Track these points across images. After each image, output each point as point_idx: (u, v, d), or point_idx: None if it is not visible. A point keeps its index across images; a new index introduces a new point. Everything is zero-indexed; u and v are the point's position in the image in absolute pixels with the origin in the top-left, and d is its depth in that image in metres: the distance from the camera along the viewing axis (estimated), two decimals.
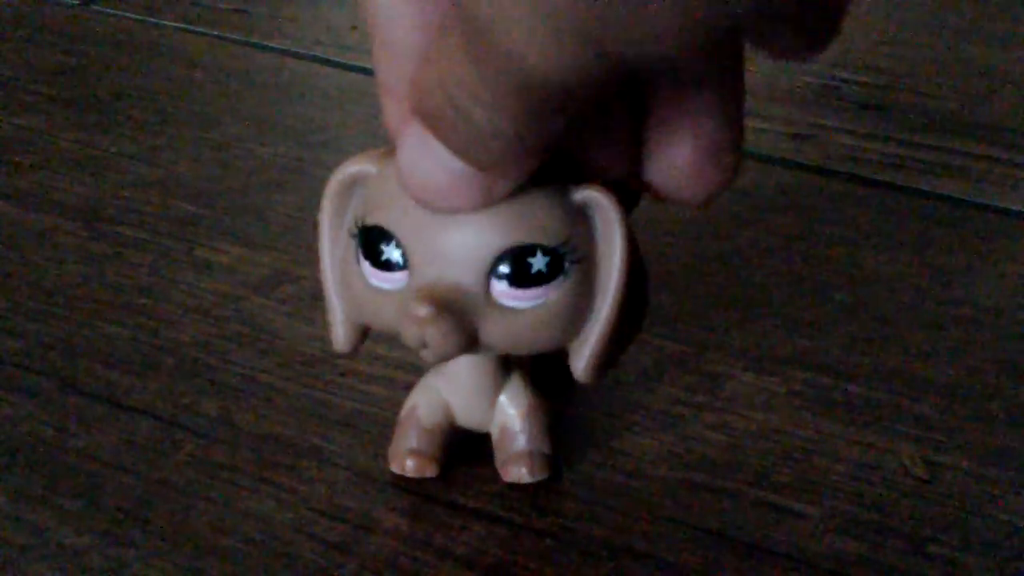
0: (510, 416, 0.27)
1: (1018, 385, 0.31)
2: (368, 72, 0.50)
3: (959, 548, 0.25)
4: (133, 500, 0.26)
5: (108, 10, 0.57)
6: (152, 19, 0.57)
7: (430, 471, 0.27)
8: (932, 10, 0.60)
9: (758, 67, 0.51)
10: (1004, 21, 0.58)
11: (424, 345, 0.23)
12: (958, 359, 0.32)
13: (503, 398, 0.27)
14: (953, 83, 0.51)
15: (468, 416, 0.27)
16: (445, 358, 0.24)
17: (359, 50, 0.53)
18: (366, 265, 0.24)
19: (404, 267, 0.24)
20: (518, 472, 0.27)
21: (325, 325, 0.26)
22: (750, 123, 0.46)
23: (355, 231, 0.24)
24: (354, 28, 0.56)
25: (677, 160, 0.24)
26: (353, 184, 0.25)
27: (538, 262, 0.23)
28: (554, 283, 0.23)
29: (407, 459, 0.27)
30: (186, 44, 0.54)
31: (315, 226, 0.25)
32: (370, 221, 0.24)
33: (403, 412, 0.27)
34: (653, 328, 0.33)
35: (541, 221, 0.23)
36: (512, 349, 0.24)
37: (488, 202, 0.23)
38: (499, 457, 0.27)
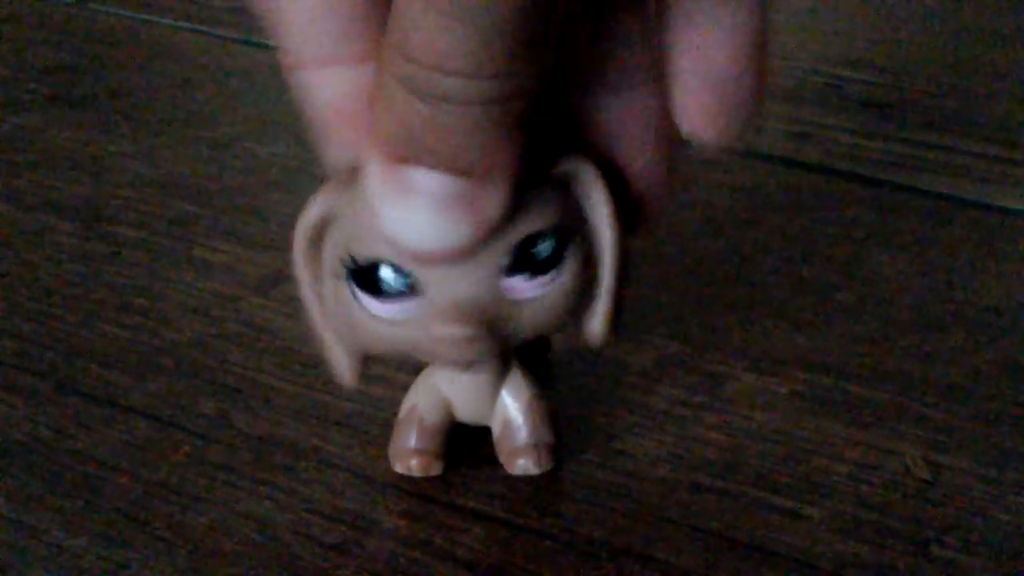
0: (512, 409, 0.27)
1: (1021, 385, 0.31)
2: None
3: (961, 549, 0.25)
4: (131, 501, 0.26)
5: (106, 8, 0.57)
6: (150, 17, 0.57)
7: (435, 469, 0.27)
8: (934, 8, 0.60)
9: None
10: (1006, 19, 0.58)
11: (467, 366, 0.24)
12: (960, 359, 0.32)
13: (504, 392, 0.27)
14: (955, 82, 0.51)
15: (469, 411, 0.27)
16: (486, 363, 0.25)
17: None
18: (369, 300, 0.24)
19: (412, 292, 0.23)
20: (524, 464, 0.27)
21: (325, 362, 0.26)
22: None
23: (345, 272, 0.24)
24: None
25: (690, 101, 0.24)
26: (323, 226, 0.24)
27: (543, 248, 0.23)
28: (562, 262, 0.24)
29: (411, 458, 0.27)
30: (184, 43, 0.54)
31: (293, 276, 0.25)
32: (362, 257, 0.23)
33: (402, 411, 0.27)
34: (653, 328, 0.32)
35: (536, 207, 0.23)
36: (535, 335, 0.25)
37: (485, 227, 0.22)
38: (503, 451, 0.27)
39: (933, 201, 0.41)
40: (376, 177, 0.21)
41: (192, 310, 0.33)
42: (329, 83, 0.23)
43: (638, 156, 0.25)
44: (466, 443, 0.28)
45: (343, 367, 0.26)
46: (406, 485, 0.27)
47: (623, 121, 0.25)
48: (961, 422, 0.29)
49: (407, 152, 0.21)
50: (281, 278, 0.35)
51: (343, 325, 0.25)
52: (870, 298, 0.35)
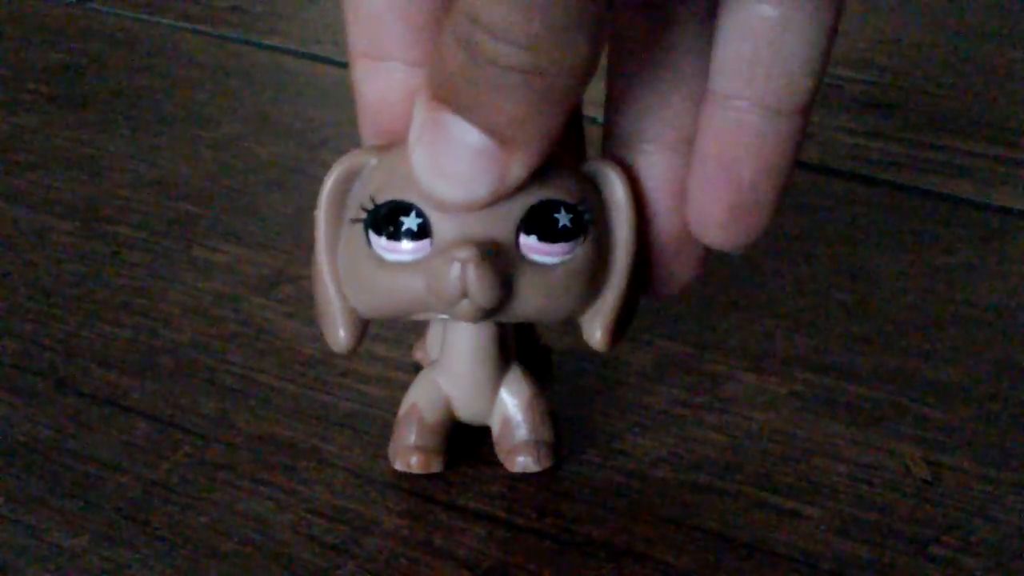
0: (511, 407, 0.27)
1: (1020, 385, 0.31)
2: None
3: (961, 549, 0.25)
4: (131, 501, 0.26)
5: (105, 8, 0.57)
6: (150, 17, 0.57)
7: (435, 466, 0.27)
8: (935, 8, 0.60)
9: None
10: (1007, 19, 0.58)
11: (464, 294, 0.23)
12: (960, 359, 0.32)
13: (503, 390, 0.27)
14: (956, 82, 0.51)
15: (468, 410, 0.27)
16: (482, 313, 0.24)
17: None
18: (381, 241, 0.24)
19: (426, 235, 0.24)
20: (524, 462, 0.27)
21: (321, 328, 0.26)
22: None
23: (363, 213, 0.24)
24: None
25: (705, 202, 0.24)
26: (352, 178, 0.25)
27: (563, 218, 0.24)
28: (578, 240, 0.24)
29: (411, 455, 0.27)
30: (184, 43, 0.54)
31: (311, 223, 0.25)
32: (383, 198, 0.24)
33: (402, 409, 0.27)
34: (653, 328, 0.32)
35: (564, 181, 0.24)
36: (540, 313, 0.25)
37: (502, 190, 0.23)
38: (502, 449, 0.27)
39: (933, 201, 0.41)
40: (419, 115, 0.23)
41: (192, 310, 0.33)
42: (382, 78, 0.24)
43: (663, 211, 0.26)
44: (466, 443, 0.28)
45: (340, 331, 0.26)
46: (406, 485, 0.27)
47: (658, 169, 0.25)
48: (961, 422, 0.29)
49: (450, 100, 0.22)
50: (281, 278, 0.35)
51: (349, 276, 0.25)
52: (870, 298, 0.35)
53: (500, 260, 0.23)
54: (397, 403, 0.27)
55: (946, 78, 0.51)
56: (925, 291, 0.35)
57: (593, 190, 0.25)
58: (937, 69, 0.52)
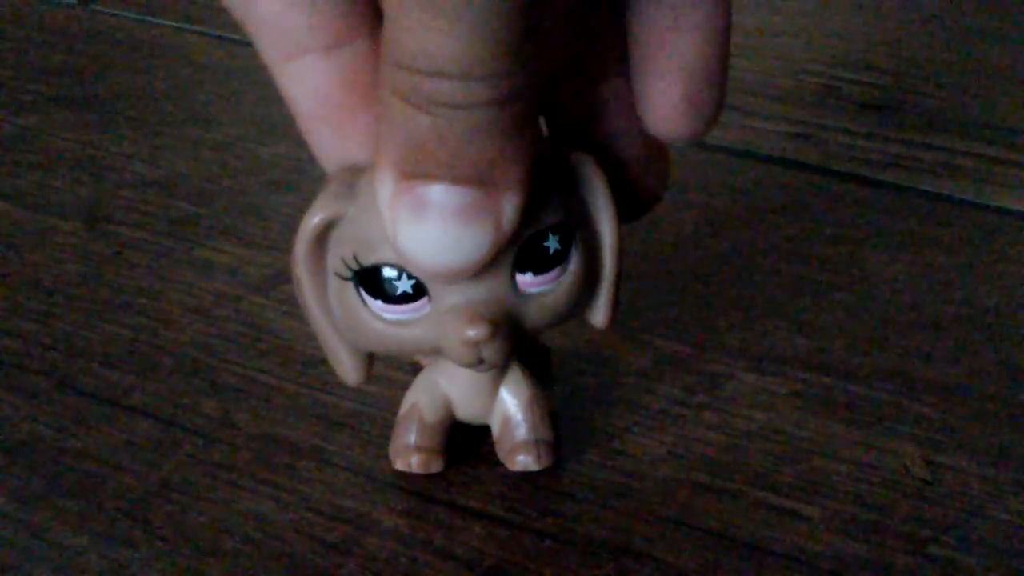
0: (512, 407, 0.27)
1: (1019, 385, 0.31)
2: None
3: (960, 549, 0.25)
4: (132, 500, 0.26)
5: (107, 10, 0.57)
6: (151, 18, 0.57)
7: (435, 466, 0.27)
8: (934, 9, 0.60)
9: (758, 66, 0.51)
10: (1006, 20, 0.58)
11: (480, 362, 0.23)
12: (959, 359, 0.32)
13: (503, 390, 0.27)
14: (954, 82, 0.51)
15: (469, 410, 0.27)
16: (496, 367, 0.25)
17: None
18: (376, 303, 0.24)
19: (419, 295, 0.23)
20: (525, 461, 0.27)
21: (331, 363, 0.26)
22: (749, 122, 0.46)
23: (350, 273, 0.24)
24: None
25: (658, 96, 0.23)
26: (327, 229, 0.24)
27: (552, 243, 0.24)
28: (568, 257, 0.24)
29: (411, 455, 0.27)
30: (185, 43, 0.54)
31: (295, 281, 0.25)
32: (368, 261, 0.23)
33: (403, 409, 0.27)
34: (653, 328, 0.32)
35: (544, 202, 0.23)
36: (545, 329, 0.25)
37: (502, 238, 0.21)
38: (503, 448, 0.27)
39: (933, 201, 0.41)
40: (389, 197, 0.21)
41: (193, 310, 0.33)
42: (304, 76, 0.22)
43: (630, 142, 0.25)
44: (466, 442, 0.28)
45: (348, 367, 0.26)
46: (406, 484, 0.27)
47: (610, 110, 0.25)
48: (961, 422, 0.29)
49: (417, 168, 0.20)
50: (282, 278, 0.35)
51: (348, 327, 0.25)
52: (870, 298, 0.35)
53: (505, 314, 0.23)
54: (398, 402, 0.27)
55: (946, 78, 0.51)
56: (925, 291, 0.35)
57: (572, 190, 0.24)
58: (937, 69, 0.52)
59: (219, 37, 0.54)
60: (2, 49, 0.53)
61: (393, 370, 0.31)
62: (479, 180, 0.20)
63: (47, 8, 0.58)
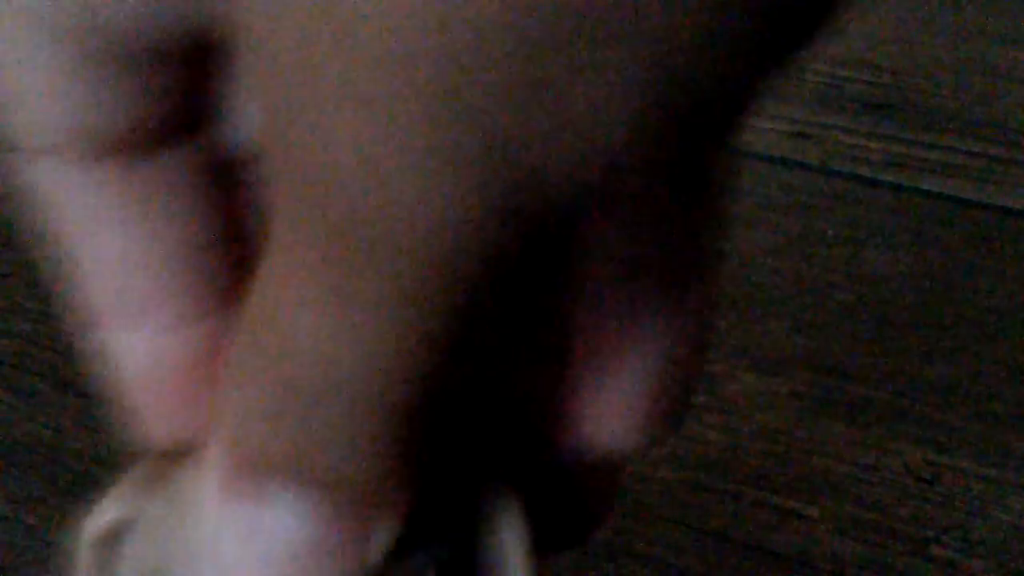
0: None
1: (1019, 385, 0.31)
2: None
3: (960, 549, 0.25)
4: None
5: None
6: None
7: None
8: (934, 9, 0.60)
9: None
10: (1006, 20, 0.58)
11: None
12: (959, 359, 0.32)
13: None
14: (955, 82, 0.51)
15: None
16: None
17: None
18: None
19: None
20: None
21: None
22: (749, 122, 0.46)
23: None
24: None
25: (609, 405, 0.16)
26: (117, 537, 0.17)
27: None
28: None
29: None
30: None
31: None
32: None
33: None
34: None
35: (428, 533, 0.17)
36: None
37: (361, 569, 0.15)
38: None
39: (933, 201, 0.41)
40: (214, 498, 0.15)
41: None
42: (136, 349, 0.17)
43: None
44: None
45: None
46: None
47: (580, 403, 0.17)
48: (960, 422, 0.29)
49: (258, 461, 0.14)
50: None
51: None
52: (870, 298, 0.35)
53: None
54: None
55: (946, 78, 0.51)
56: (925, 291, 0.35)
57: (470, 527, 0.17)
58: (936, 69, 0.52)
59: None
60: None
61: None
62: (340, 490, 0.14)
63: None
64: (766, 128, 0.46)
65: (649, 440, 0.16)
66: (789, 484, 0.27)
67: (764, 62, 0.11)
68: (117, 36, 0.14)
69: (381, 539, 0.14)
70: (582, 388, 0.17)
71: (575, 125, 0.11)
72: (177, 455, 0.17)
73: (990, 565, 0.25)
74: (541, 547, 0.17)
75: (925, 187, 0.42)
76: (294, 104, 0.11)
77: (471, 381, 0.14)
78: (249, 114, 0.14)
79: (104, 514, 0.17)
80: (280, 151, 0.12)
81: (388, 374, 0.13)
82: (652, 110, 0.11)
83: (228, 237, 0.15)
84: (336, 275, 0.12)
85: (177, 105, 0.14)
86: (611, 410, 0.16)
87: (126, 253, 0.16)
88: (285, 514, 0.14)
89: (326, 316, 0.13)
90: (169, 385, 0.17)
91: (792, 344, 0.32)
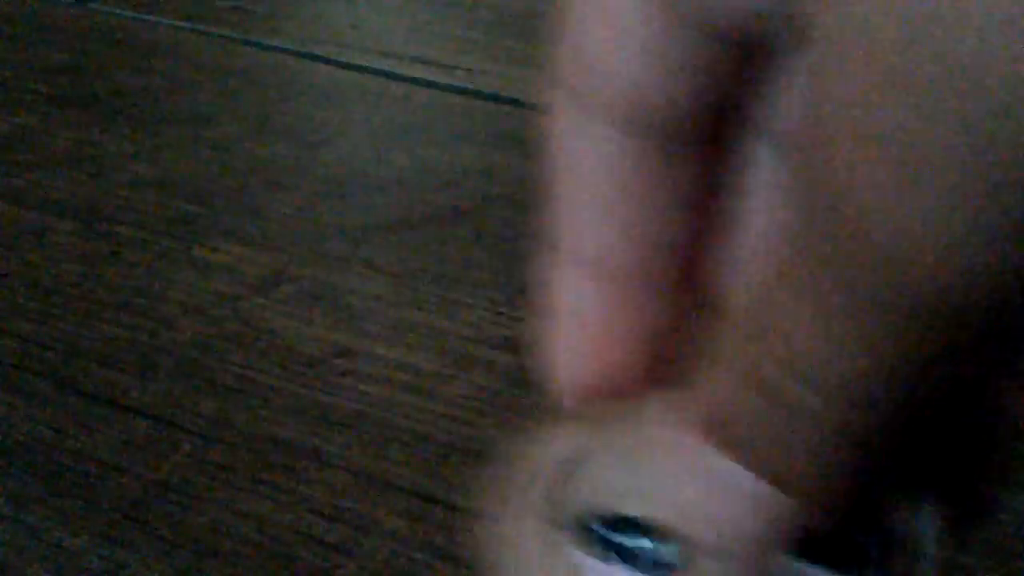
0: None
1: None
2: (367, 70, 0.50)
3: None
4: (131, 501, 0.26)
5: (106, 8, 0.57)
6: (150, 17, 0.57)
7: None
8: None
9: None
10: None
11: None
12: None
13: None
14: None
15: None
16: None
17: (358, 48, 0.53)
18: (595, 563, 0.19)
19: (672, 568, 0.19)
20: None
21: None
22: None
23: (592, 522, 0.19)
24: (353, 26, 0.56)
25: None
26: (570, 465, 0.19)
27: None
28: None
29: None
30: (184, 43, 0.54)
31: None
32: (628, 510, 0.19)
33: None
34: None
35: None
36: None
37: (772, 540, 0.17)
38: None
39: None
40: (678, 448, 0.17)
41: (192, 310, 0.33)
42: (582, 290, 0.19)
43: None
44: (466, 443, 0.28)
45: None
46: (406, 484, 0.27)
47: None
48: None
49: (723, 434, 0.17)
50: (281, 278, 0.35)
51: None
52: None
53: None
54: (397, 403, 0.27)
55: None
56: None
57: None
58: None
59: (219, 37, 0.54)
60: (1, 48, 0.53)
61: (393, 370, 0.31)
62: (780, 482, 0.17)
63: (45, 6, 0.58)
64: None
65: None
66: None
67: None
68: (714, 4, 0.15)
69: (793, 523, 0.16)
70: None
71: None
72: (609, 407, 0.19)
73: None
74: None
75: None
76: (845, 112, 0.11)
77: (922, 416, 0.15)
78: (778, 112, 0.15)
79: (558, 445, 0.18)
80: (812, 162, 0.12)
81: (858, 408, 0.14)
82: None
83: (699, 224, 0.17)
84: (839, 304, 0.13)
85: (723, 97, 0.16)
86: None
87: (618, 216, 0.18)
88: (737, 476, 0.17)
89: (820, 341, 0.13)
90: (594, 330, 0.19)
91: None
